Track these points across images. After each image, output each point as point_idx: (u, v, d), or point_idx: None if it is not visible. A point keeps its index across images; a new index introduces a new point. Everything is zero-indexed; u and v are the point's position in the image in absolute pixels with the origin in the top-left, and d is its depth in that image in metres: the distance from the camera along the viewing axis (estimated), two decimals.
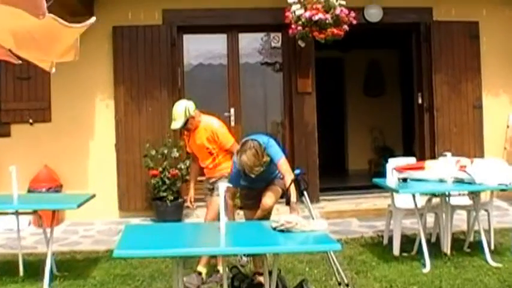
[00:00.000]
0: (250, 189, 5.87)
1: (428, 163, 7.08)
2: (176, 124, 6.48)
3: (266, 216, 5.75)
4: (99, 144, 9.48)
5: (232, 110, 9.84)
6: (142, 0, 9.50)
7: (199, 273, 6.20)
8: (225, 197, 4.84)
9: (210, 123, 6.51)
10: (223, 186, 4.77)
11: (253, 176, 5.48)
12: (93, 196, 6.66)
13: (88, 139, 9.49)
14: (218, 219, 6.19)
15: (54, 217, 6.42)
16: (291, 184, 5.47)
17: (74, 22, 4.50)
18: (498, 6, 10.25)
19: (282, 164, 5.65)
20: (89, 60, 9.26)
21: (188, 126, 6.49)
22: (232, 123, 9.68)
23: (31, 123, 9.32)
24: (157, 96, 9.37)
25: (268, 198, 5.76)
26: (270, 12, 9.40)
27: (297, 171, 5.63)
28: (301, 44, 8.79)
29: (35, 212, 6.97)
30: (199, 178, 6.91)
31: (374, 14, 9.90)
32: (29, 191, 8.70)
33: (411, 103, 10.88)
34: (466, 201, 7.15)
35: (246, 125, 9.84)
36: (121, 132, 9.41)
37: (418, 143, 10.54)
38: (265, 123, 10.79)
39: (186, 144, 6.84)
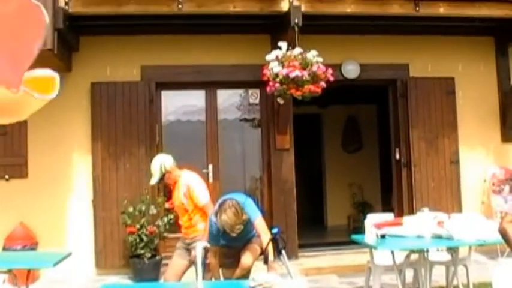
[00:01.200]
0: (229, 248, 5.85)
1: (406, 219, 7.08)
2: (153, 180, 6.51)
3: (245, 275, 5.71)
4: (76, 200, 9.37)
5: (210, 167, 9.79)
6: (121, 57, 9.55)
7: None
8: (207, 256, 4.80)
9: (188, 179, 6.51)
10: (200, 245, 4.73)
11: (234, 235, 5.46)
12: (70, 254, 6.56)
13: (65, 195, 9.37)
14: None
15: (30, 275, 6.32)
16: (268, 243, 5.46)
17: None
18: (473, 61, 10.43)
19: (259, 223, 5.66)
20: (67, 116, 9.28)
21: (165, 181, 6.50)
22: (211, 180, 9.63)
23: (7, 179, 9.21)
24: (135, 153, 9.31)
25: (247, 258, 5.74)
26: (249, 69, 9.42)
27: (275, 230, 5.62)
28: (280, 101, 8.81)
29: (9, 270, 6.85)
30: (175, 235, 6.84)
31: (351, 71, 10.02)
32: (4, 248, 8.56)
33: (389, 158, 10.92)
34: (445, 256, 7.14)
35: (225, 182, 9.81)
36: (98, 189, 9.31)
37: (396, 198, 10.54)
38: (244, 180, 10.74)
39: (172, 200, 6.82)
